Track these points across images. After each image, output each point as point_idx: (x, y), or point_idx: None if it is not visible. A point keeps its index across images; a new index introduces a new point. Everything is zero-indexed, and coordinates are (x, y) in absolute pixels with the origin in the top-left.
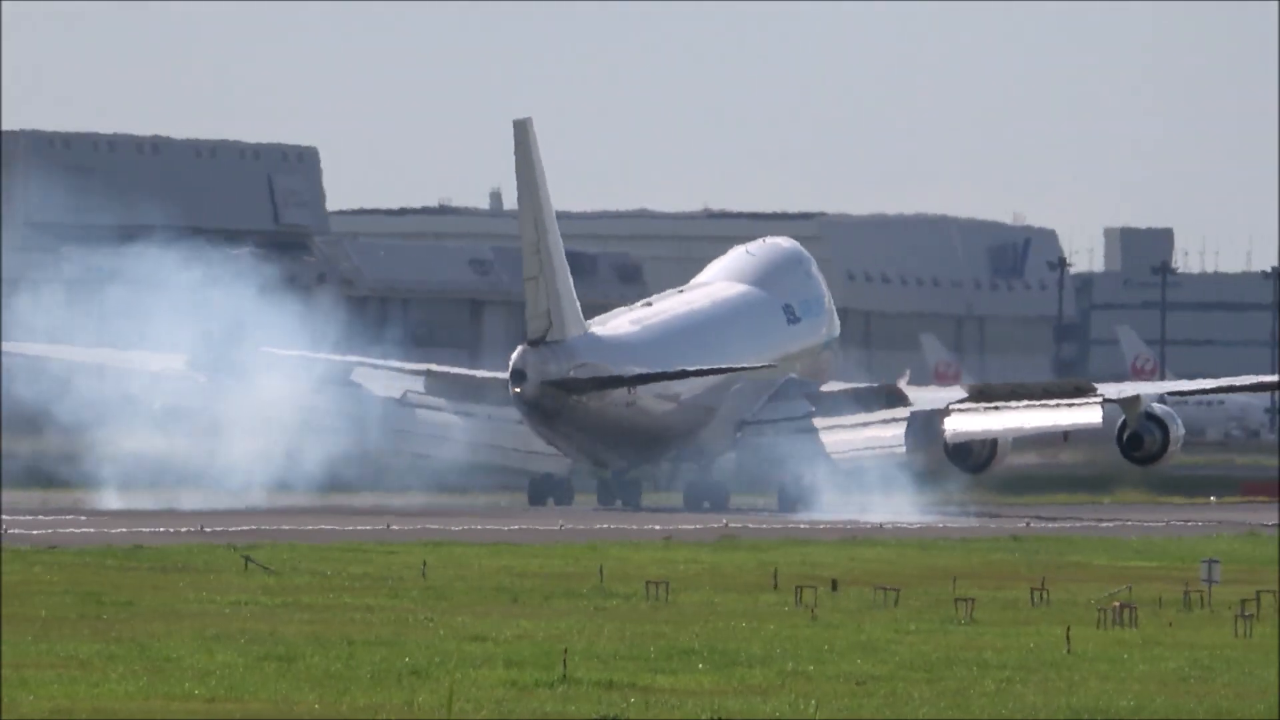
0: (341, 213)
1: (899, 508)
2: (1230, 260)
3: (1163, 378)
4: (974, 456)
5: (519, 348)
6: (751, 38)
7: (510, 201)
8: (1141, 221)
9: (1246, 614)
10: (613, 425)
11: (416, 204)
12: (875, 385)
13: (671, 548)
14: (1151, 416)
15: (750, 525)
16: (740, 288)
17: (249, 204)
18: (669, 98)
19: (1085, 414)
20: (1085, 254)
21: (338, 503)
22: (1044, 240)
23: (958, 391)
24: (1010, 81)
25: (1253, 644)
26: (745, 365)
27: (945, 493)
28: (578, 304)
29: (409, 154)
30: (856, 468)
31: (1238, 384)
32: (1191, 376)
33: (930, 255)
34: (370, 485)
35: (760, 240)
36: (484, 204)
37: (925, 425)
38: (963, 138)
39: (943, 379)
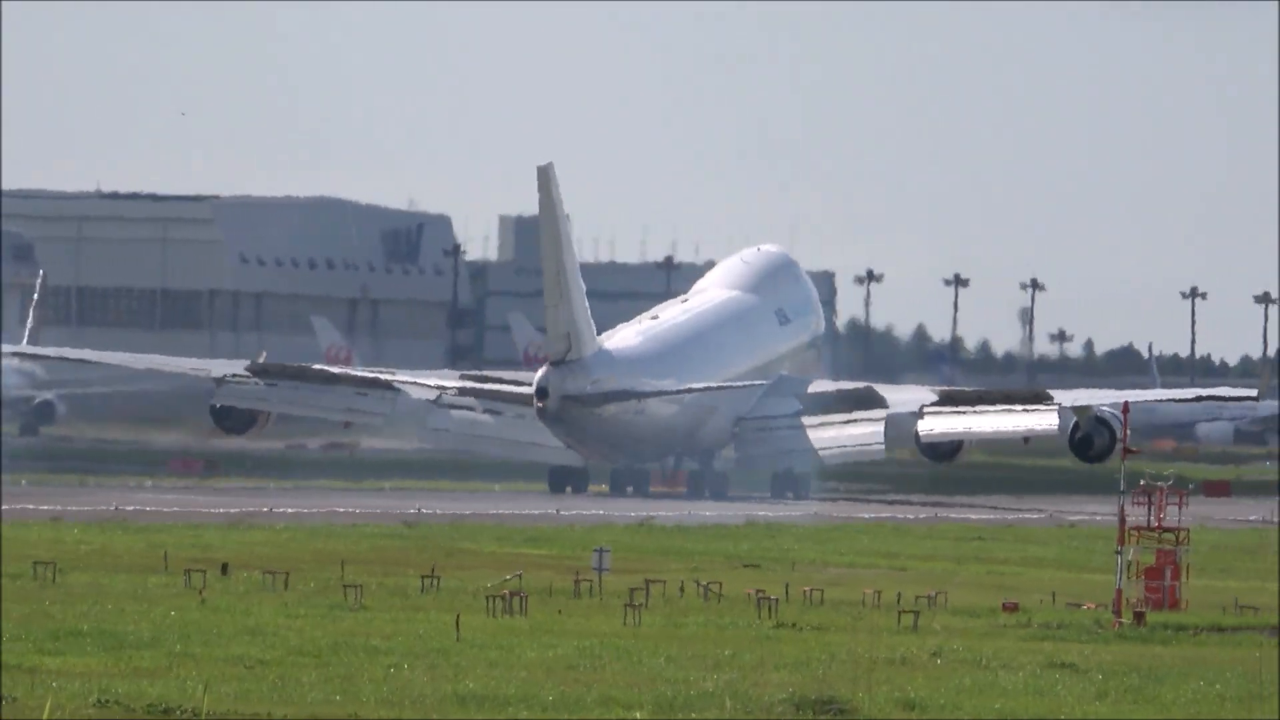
0: None
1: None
2: (625, 250)
3: None
4: (942, 451)
5: (543, 367)
6: (188, 27)
7: None
8: (536, 210)
9: (636, 603)
10: (625, 429)
11: None
12: (857, 387)
13: (60, 527)
14: (1100, 420)
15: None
16: (735, 294)
17: None
18: (60, 75)
19: (1043, 419)
20: (480, 241)
21: None
22: (438, 226)
23: (928, 394)
24: (405, 67)
25: (641, 632)
26: (742, 371)
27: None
28: (593, 326)
29: None
30: (840, 462)
31: (1193, 395)
32: None
33: (324, 238)
34: None
35: (754, 248)
36: None
37: (899, 424)
38: (354, 122)
39: (333, 361)
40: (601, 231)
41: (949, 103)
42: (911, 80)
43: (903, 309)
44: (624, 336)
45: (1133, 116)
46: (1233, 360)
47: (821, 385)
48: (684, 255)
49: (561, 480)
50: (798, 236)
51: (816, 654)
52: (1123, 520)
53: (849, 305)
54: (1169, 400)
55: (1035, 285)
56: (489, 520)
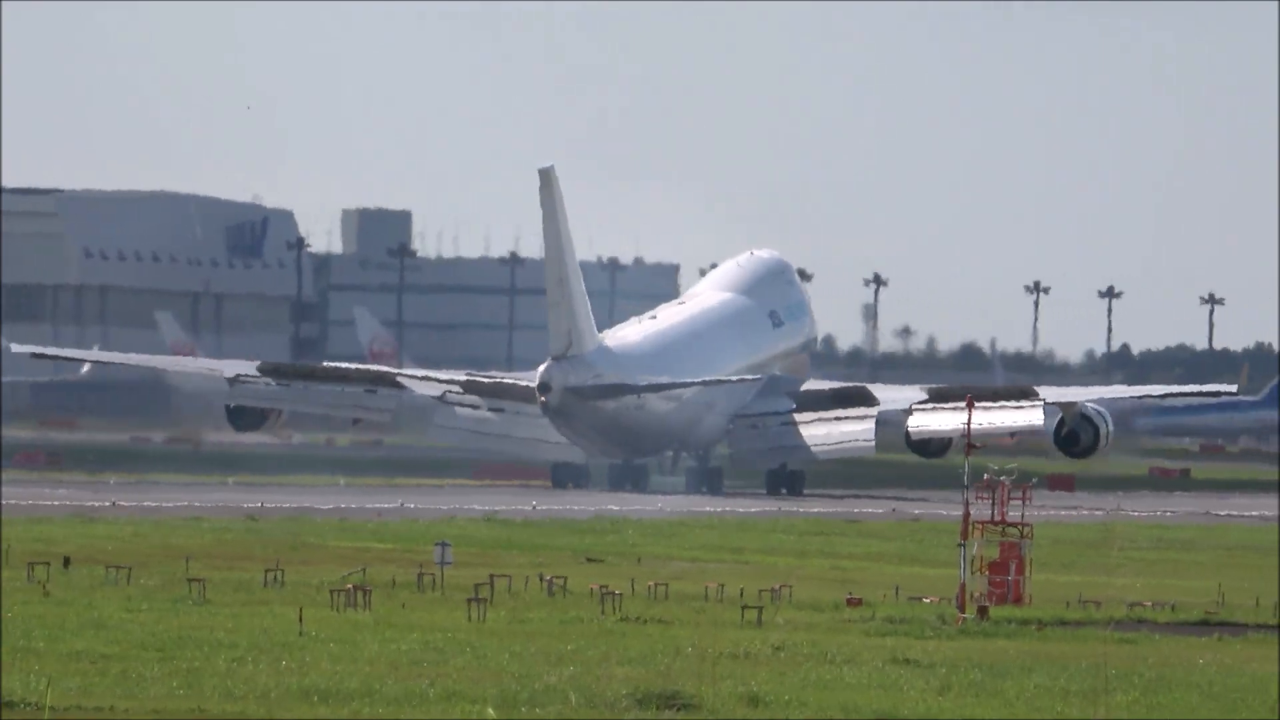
0: None
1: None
2: (469, 245)
3: (400, 360)
4: (931, 447)
5: (545, 362)
6: (28, 21)
7: None
8: (380, 203)
9: (480, 597)
10: (625, 424)
11: None
12: (850, 386)
13: None
14: (1085, 416)
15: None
16: (730, 297)
17: None
18: None
19: (1029, 415)
20: (324, 235)
21: None
22: (281, 220)
23: (919, 393)
24: (246, 62)
25: (485, 627)
26: (736, 369)
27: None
28: (594, 323)
29: None
30: (832, 458)
31: (1185, 391)
32: (429, 359)
33: (167, 232)
34: None
35: (748, 253)
36: None
37: (890, 421)
38: (197, 116)
39: (180, 355)
40: (445, 226)
41: (789, 96)
42: (753, 75)
43: None
44: (624, 335)
45: (972, 110)
46: (1076, 356)
47: (815, 384)
48: (528, 250)
49: (564, 477)
50: (643, 230)
51: (660, 648)
52: (966, 514)
53: None
54: (1153, 396)
55: (879, 280)
56: (333, 515)
